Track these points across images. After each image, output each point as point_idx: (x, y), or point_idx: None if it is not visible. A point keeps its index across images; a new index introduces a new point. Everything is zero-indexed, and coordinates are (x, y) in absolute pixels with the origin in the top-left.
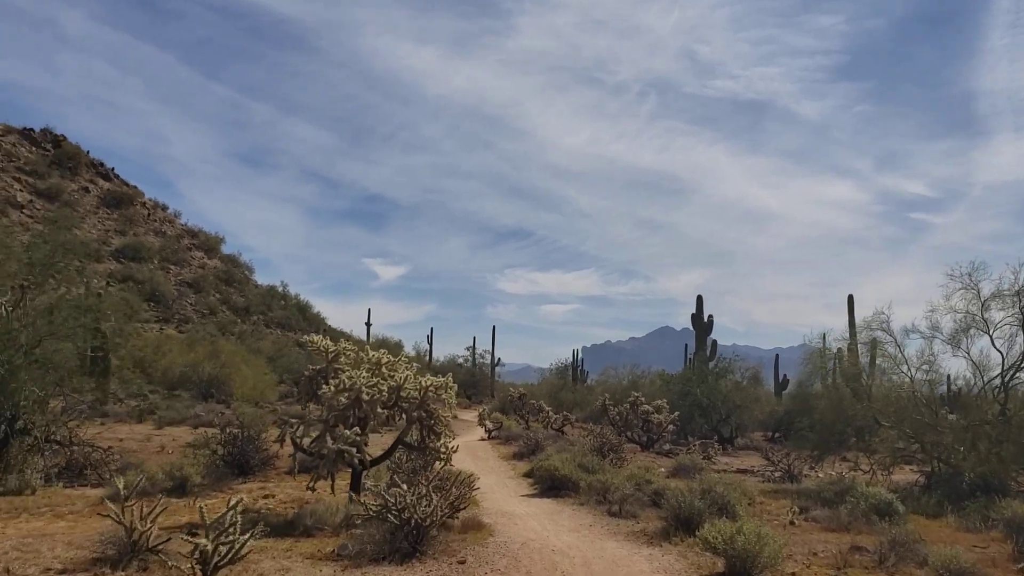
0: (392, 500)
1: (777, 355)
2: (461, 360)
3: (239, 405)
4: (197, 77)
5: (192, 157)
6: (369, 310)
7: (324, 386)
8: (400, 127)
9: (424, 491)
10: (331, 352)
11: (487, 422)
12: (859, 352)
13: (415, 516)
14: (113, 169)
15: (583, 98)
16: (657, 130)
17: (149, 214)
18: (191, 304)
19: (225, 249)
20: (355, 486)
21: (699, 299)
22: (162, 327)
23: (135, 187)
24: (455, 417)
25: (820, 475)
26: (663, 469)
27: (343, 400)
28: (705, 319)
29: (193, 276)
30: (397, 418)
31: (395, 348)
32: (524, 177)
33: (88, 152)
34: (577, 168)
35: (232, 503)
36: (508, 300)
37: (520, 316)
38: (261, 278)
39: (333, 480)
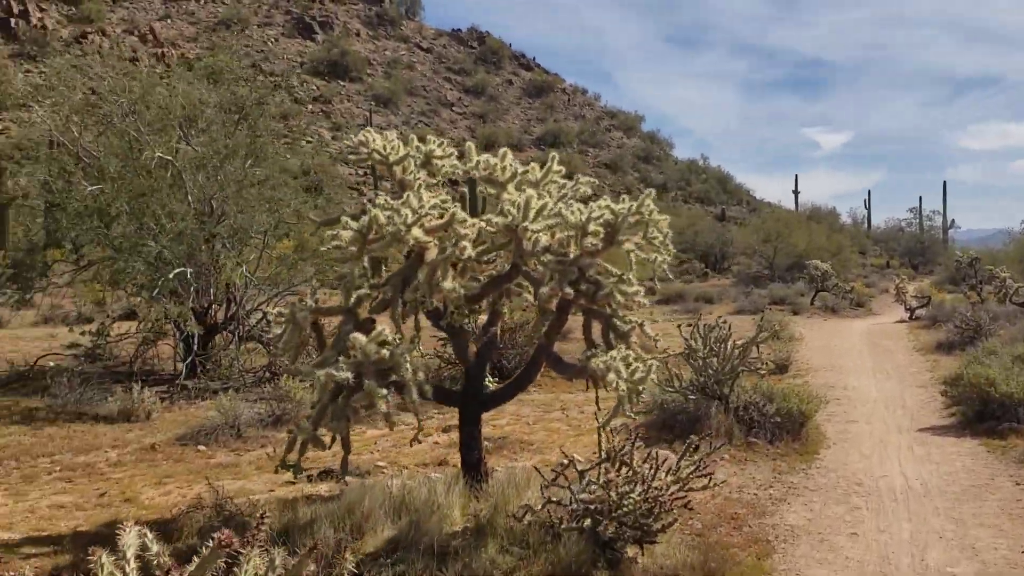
0: None
1: None
2: (904, 224)
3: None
4: None
5: (625, 46)
6: (796, 176)
7: (339, 229)
8: None
9: None
10: (394, 158)
11: (907, 296)
12: None
13: None
14: (534, 59)
15: None
16: None
17: (569, 99)
18: (608, 185)
19: (644, 127)
20: (470, 467)
21: None
22: None
23: (555, 75)
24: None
25: None
26: None
27: (383, 260)
28: None
29: (611, 157)
30: (510, 298)
31: (828, 217)
32: (987, 13)
33: (510, 45)
34: None
35: None
36: (971, 159)
37: (988, 176)
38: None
39: (347, 447)
